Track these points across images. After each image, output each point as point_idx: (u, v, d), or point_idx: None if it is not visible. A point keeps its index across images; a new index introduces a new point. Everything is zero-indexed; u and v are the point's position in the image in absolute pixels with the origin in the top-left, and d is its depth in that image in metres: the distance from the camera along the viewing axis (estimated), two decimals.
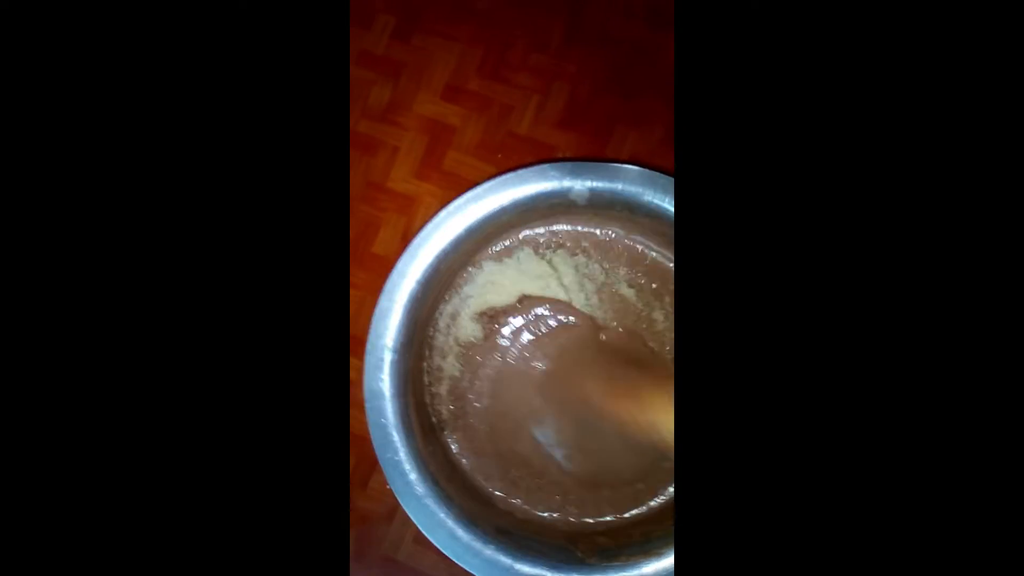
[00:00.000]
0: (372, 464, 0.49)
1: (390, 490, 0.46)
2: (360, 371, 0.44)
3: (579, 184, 0.44)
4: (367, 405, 0.44)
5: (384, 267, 0.44)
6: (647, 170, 0.44)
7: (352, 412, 0.50)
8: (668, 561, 0.41)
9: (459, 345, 0.49)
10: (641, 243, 0.49)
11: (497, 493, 0.48)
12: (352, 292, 0.51)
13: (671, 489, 0.47)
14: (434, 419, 0.48)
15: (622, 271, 0.49)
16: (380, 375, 0.44)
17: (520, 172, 0.44)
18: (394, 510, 0.49)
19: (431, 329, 0.48)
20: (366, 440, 0.46)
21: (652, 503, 0.47)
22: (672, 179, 0.44)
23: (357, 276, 0.51)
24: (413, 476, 0.43)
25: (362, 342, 0.44)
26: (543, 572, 0.41)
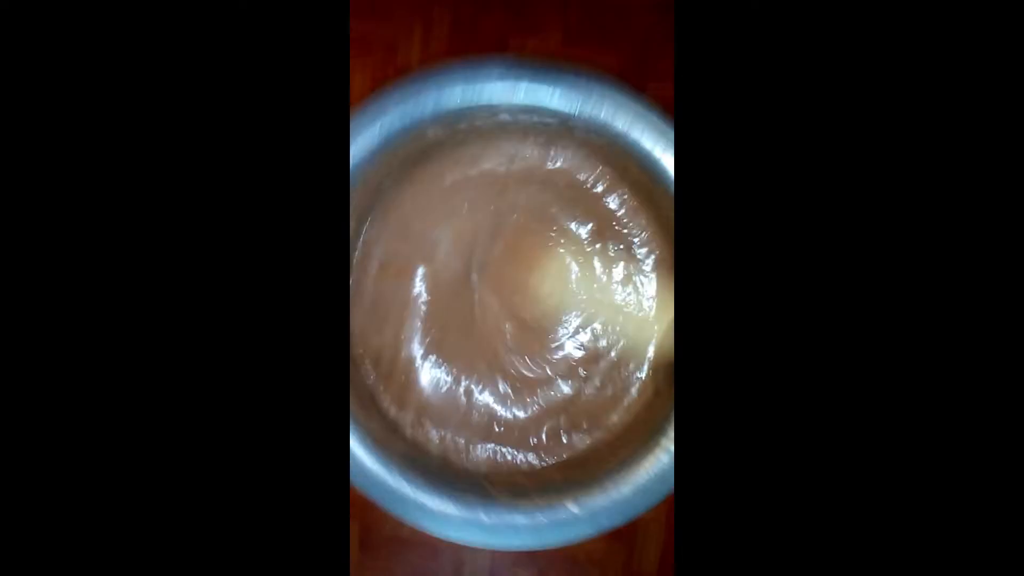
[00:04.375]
0: None
1: None
2: None
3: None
4: None
5: None
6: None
7: None
8: (573, 510, 0.39)
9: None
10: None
11: (410, 419, 0.45)
12: None
13: (596, 433, 0.45)
14: (359, 349, 0.45)
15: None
16: None
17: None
18: None
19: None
20: None
21: (577, 443, 0.44)
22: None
23: None
24: None
25: None
26: (448, 507, 0.39)
